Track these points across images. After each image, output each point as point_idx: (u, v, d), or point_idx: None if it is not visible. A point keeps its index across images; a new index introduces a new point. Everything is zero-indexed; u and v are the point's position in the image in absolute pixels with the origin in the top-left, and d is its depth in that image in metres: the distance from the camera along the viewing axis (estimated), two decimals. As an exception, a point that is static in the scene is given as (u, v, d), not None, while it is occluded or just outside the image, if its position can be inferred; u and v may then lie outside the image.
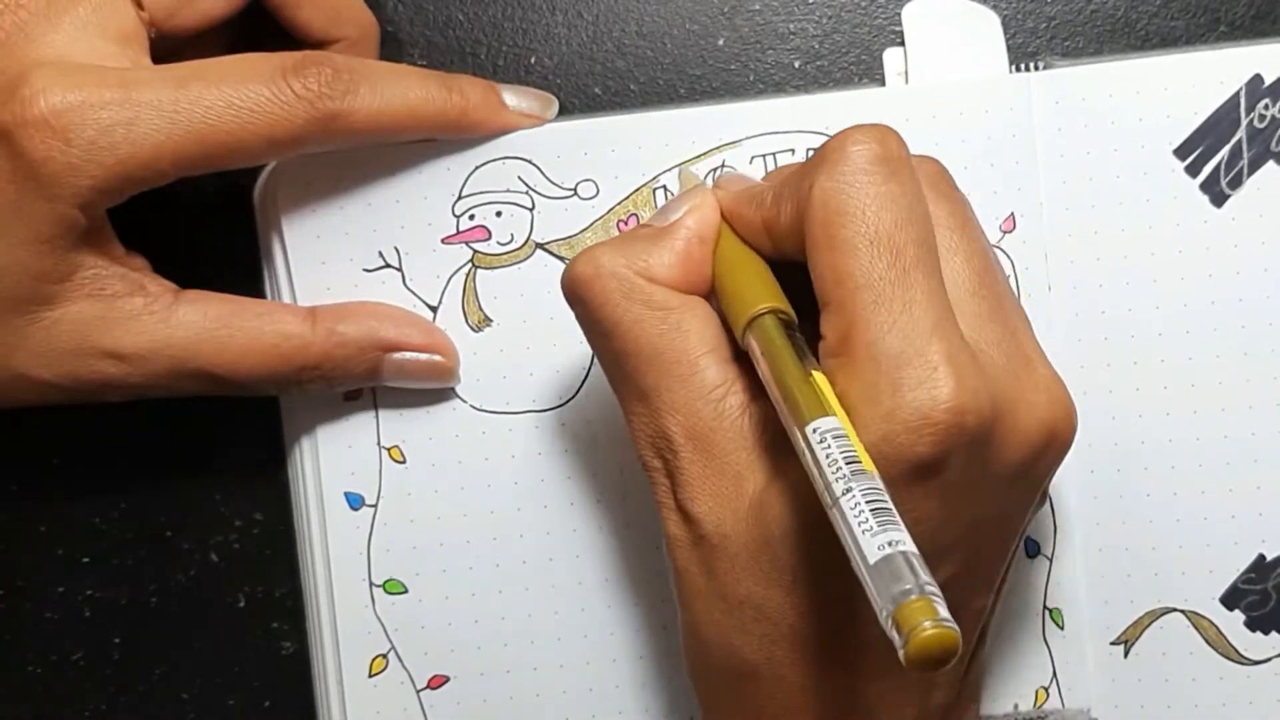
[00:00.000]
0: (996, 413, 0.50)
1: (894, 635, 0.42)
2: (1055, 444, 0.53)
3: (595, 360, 0.63)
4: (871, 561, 0.44)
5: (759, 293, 0.53)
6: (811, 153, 0.62)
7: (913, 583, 0.43)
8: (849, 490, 0.45)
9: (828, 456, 0.46)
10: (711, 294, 0.55)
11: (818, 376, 0.49)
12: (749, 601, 0.52)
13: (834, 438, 0.47)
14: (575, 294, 0.55)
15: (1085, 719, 0.63)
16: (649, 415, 0.54)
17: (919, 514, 0.49)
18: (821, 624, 0.52)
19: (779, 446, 0.52)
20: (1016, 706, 0.63)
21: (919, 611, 0.42)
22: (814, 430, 0.47)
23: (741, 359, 0.54)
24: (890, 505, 0.45)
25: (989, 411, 0.50)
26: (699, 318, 0.54)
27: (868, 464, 0.46)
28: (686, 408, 0.53)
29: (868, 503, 0.45)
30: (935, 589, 0.42)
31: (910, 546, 0.44)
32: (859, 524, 0.44)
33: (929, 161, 0.55)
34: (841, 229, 0.50)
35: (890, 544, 0.44)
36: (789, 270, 0.54)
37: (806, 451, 0.47)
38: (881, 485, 0.46)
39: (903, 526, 0.44)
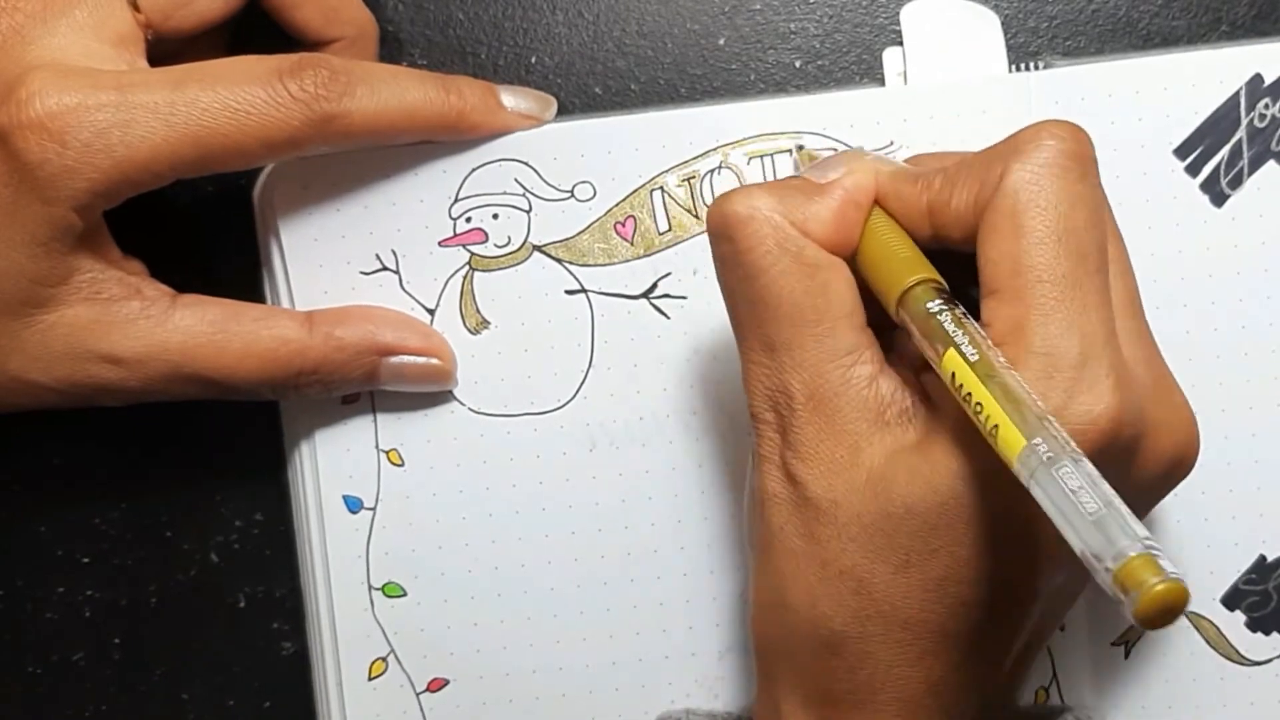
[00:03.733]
0: (1143, 430, 0.50)
1: (1118, 595, 0.41)
2: (1181, 469, 0.54)
3: (593, 363, 0.63)
4: (1086, 524, 0.43)
5: (912, 264, 0.53)
6: (822, 151, 0.62)
7: (1129, 538, 0.42)
8: (1054, 459, 0.45)
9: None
10: (853, 260, 0.54)
11: (982, 357, 0.49)
12: (851, 574, 0.52)
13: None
14: (725, 232, 0.54)
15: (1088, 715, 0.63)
16: (773, 368, 0.53)
17: (1043, 514, 0.50)
18: (924, 608, 0.52)
19: (904, 424, 0.52)
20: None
21: (1143, 568, 0.41)
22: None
23: (878, 329, 0.54)
24: (1094, 469, 0.45)
25: (1140, 427, 0.50)
26: (843, 280, 0.53)
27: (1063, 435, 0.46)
28: (815, 368, 0.52)
29: (1075, 471, 0.44)
30: (1154, 542, 0.42)
31: (1122, 505, 0.43)
32: (1068, 492, 0.44)
33: None
34: (1032, 219, 0.50)
35: (1103, 505, 0.43)
36: (935, 260, 0.54)
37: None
38: (1080, 452, 0.45)
39: (1109, 487, 0.44)
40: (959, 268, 0.53)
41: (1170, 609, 0.41)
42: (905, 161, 0.57)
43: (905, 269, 0.53)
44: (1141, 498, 0.53)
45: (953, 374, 0.49)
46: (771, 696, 0.56)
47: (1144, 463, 0.51)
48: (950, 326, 0.50)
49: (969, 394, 0.48)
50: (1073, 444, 0.45)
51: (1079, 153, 0.51)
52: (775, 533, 0.54)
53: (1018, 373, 0.48)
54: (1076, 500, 0.44)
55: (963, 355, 0.49)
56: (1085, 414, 0.48)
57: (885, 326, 0.54)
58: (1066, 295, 0.50)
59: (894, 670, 0.52)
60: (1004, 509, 0.50)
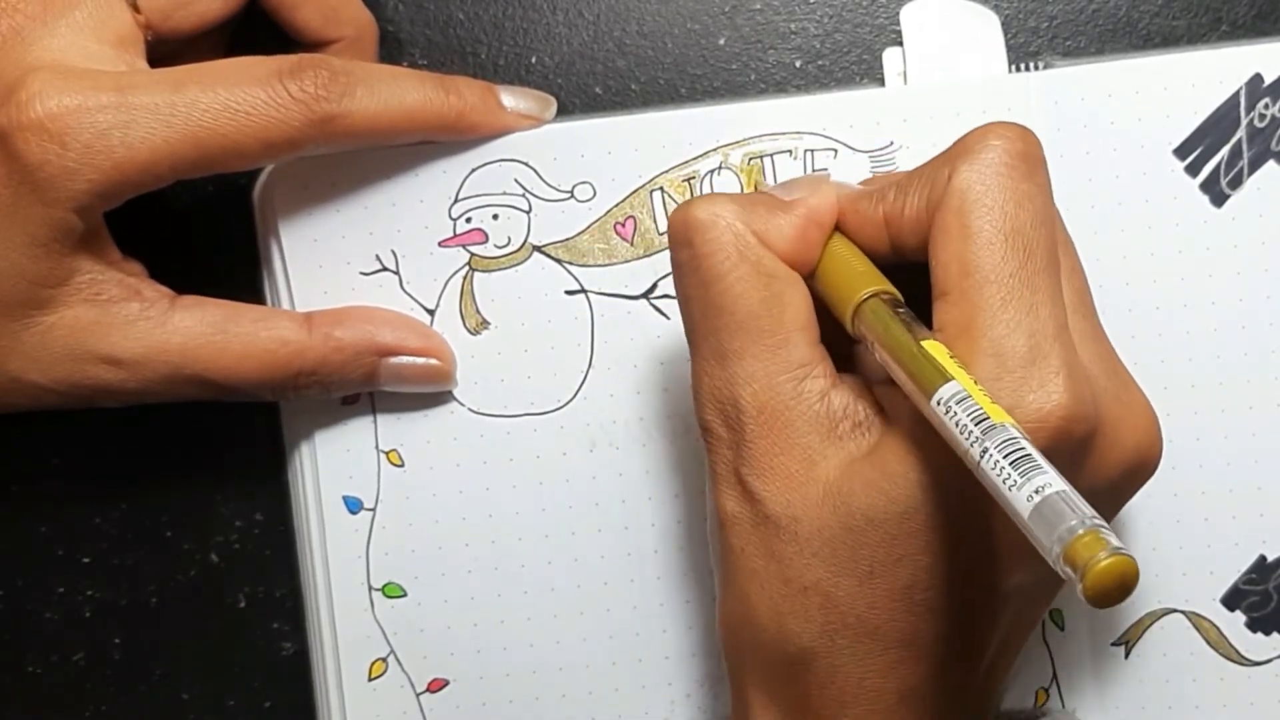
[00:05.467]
0: (1099, 427, 0.50)
1: (1068, 574, 0.41)
2: (1144, 469, 0.54)
3: (593, 363, 0.63)
4: (1025, 511, 0.43)
5: (868, 278, 0.53)
6: (810, 154, 0.62)
7: (1077, 518, 0.42)
8: (985, 451, 0.45)
9: (957, 424, 0.46)
10: (812, 280, 0.55)
11: (931, 344, 0.49)
12: (816, 589, 0.52)
13: (957, 403, 0.46)
14: (686, 236, 0.54)
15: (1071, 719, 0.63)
16: (725, 378, 0.53)
17: (1003, 517, 0.50)
18: (892, 617, 0.52)
19: (858, 437, 0.52)
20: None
21: (1090, 545, 0.41)
22: (938, 402, 0.47)
23: (833, 344, 0.54)
24: (1031, 450, 0.44)
25: (1095, 425, 0.50)
26: (800, 294, 0.53)
27: (999, 416, 0.46)
28: (766, 379, 0.52)
29: (1005, 456, 0.44)
30: (1101, 520, 0.42)
31: (1062, 485, 0.43)
32: (1003, 480, 0.44)
33: None
34: (978, 219, 0.50)
35: (1041, 489, 0.43)
36: (897, 278, 0.54)
37: (940, 423, 0.47)
38: (1018, 433, 0.45)
39: (1049, 468, 0.44)
40: (925, 286, 0.53)
41: (1121, 585, 0.41)
42: (861, 183, 0.57)
43: (860, 282, 0.53)
44: (1103, 497, 0.52)
45: (907, 377, 0.49)
46: (744, 713, 0.56)
47: (1102, 461, 0.51)
48: (901, 333, 0.50)
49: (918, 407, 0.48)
50: (1011, 429, 0.45)
51: (1026, 152, 0.52)
52: (736, 553, 0.54)
53: (969, 369, 0.48)
54: (1008, 496, 0.44)
55: (916, 357, 0.49)
56: (1036, 411, 0.48)
57: (843, 349, 0.55)
58: (1014, 294, 0.50)
59: (865, 683, 0.52)
60: (962, 513, 0.50)
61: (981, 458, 0.45)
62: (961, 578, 0.51)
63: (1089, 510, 0.42)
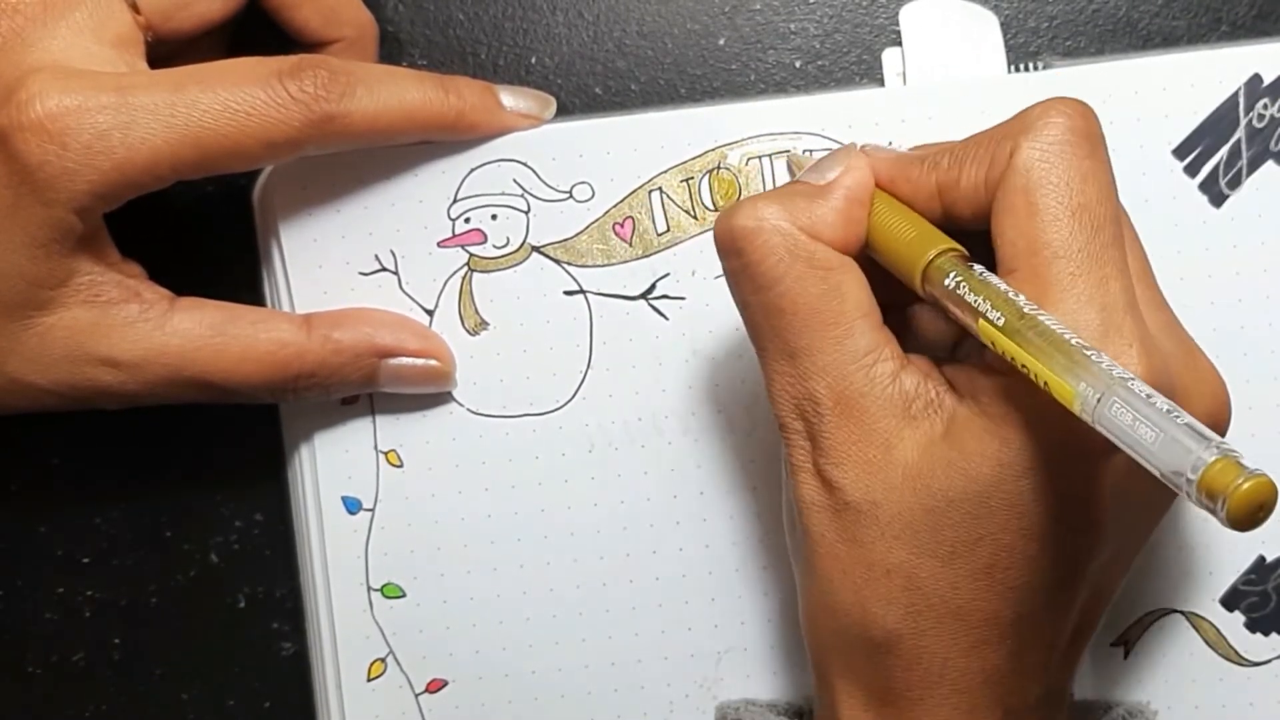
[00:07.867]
0: (1172, 396, 0.50)
1: (1205, 504, 0.41)
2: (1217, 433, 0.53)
3: (591, 364, 0.63)
4: (1153, 446, 0.43)
5: (930, 238, 0.53)
6: (809, 154, 0.62)
7: (1207, 447, 0.42)
8: (1104, 398, 0.45)
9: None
10: (861, 255, 0.54)
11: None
12: (898, 571, 0.52)
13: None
14: (734, 245, 0.54)
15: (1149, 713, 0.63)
16: (796, 376, 0.53)
17: (1090, 491, 0.50)
18: (974, 597, 0.52)
19: (931, 416, 0.52)
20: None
21: (1225, 471, 0.41)
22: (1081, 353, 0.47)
23: (892, 325, 0.54)
24: (1149, 390, 0.44)
25: (1170, 394, 0.49)
26: (856, 281, 0.53)
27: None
28: (837, 371, 0.52)
29: (1127, 398, 0.44)
30: (1231, 447, 0.42)
31: (1186, 415, 0.43)
32: (1131, 419, 0.44)
33: None
34: (1045, 197, 0.51)
35: (1166, 423, 0.43)
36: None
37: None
38: (1133, 374, 0.45)
39: (1165, 401, 0.44)
40: (970, 247, 0.53)
41: (1262, 505, 0.41)
42: (912, 149, 0.57)
43: (919, 246, 0.53)
44: None
45: (992, 342, 0.49)
46: (830, 699, 0.56)
47: None
48: (971, 297, 0.50)
49: (1011, 358, 0.48)
50: (1119, 368, 0.45)
51: (1086, 129, 0.52)
52: (817, 540, 0.54)
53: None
54: (1135, 429, 0.44)
55: (990, 322, 0.49)
56: None
57: (896, 312, 0.55)
58: (1083, 269, 0.50)
59: (949, 663, 0.53)
60: (1042, 490, 0.50)
61: (1100, 401, 0.45)
62: (1041, 556, 0.51)
63: (1219, 439, 0.42)
